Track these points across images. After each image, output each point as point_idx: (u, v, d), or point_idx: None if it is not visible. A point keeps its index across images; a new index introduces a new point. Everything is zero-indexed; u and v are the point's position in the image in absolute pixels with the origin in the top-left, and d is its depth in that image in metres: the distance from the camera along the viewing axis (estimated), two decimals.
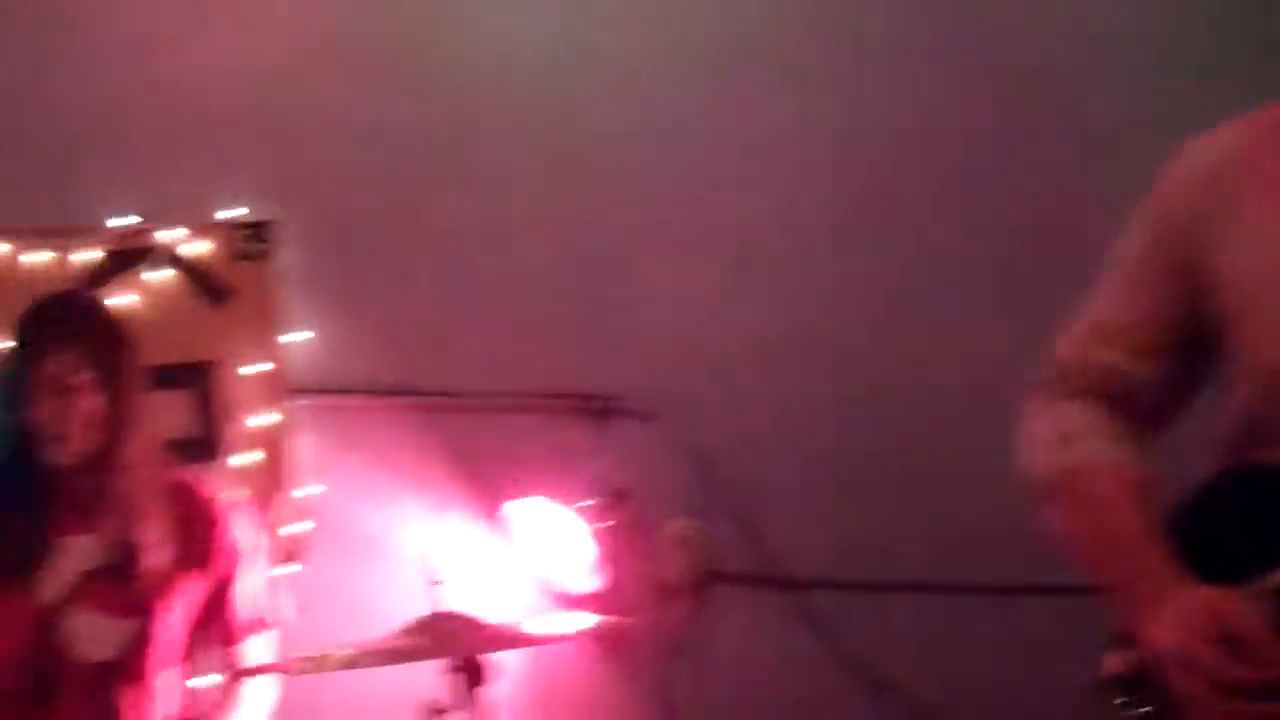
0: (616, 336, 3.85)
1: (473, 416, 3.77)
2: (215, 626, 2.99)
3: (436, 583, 2.60)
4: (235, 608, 2.99)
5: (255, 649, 3.04)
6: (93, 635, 2.82)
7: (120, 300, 3.57)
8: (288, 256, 3.70)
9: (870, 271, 3.96)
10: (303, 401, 3.69)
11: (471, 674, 2.48)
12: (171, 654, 2.92)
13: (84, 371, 2.79)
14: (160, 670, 2.89)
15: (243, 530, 3.01)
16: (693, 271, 3.90)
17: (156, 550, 2.84)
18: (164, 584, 2.86)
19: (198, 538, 2.93)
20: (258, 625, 3.03)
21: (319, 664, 2.64)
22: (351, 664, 2.66)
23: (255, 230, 3.68)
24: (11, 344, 2.87)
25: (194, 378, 3.61)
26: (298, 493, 3.65)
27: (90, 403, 2.79)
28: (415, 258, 3.82)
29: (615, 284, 3.88)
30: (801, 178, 3.98)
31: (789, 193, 3.97)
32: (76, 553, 2.82)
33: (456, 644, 2.51)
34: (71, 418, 2.77)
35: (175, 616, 2.90)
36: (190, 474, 3.08)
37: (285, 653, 3.06)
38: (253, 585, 3.02)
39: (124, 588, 2.83)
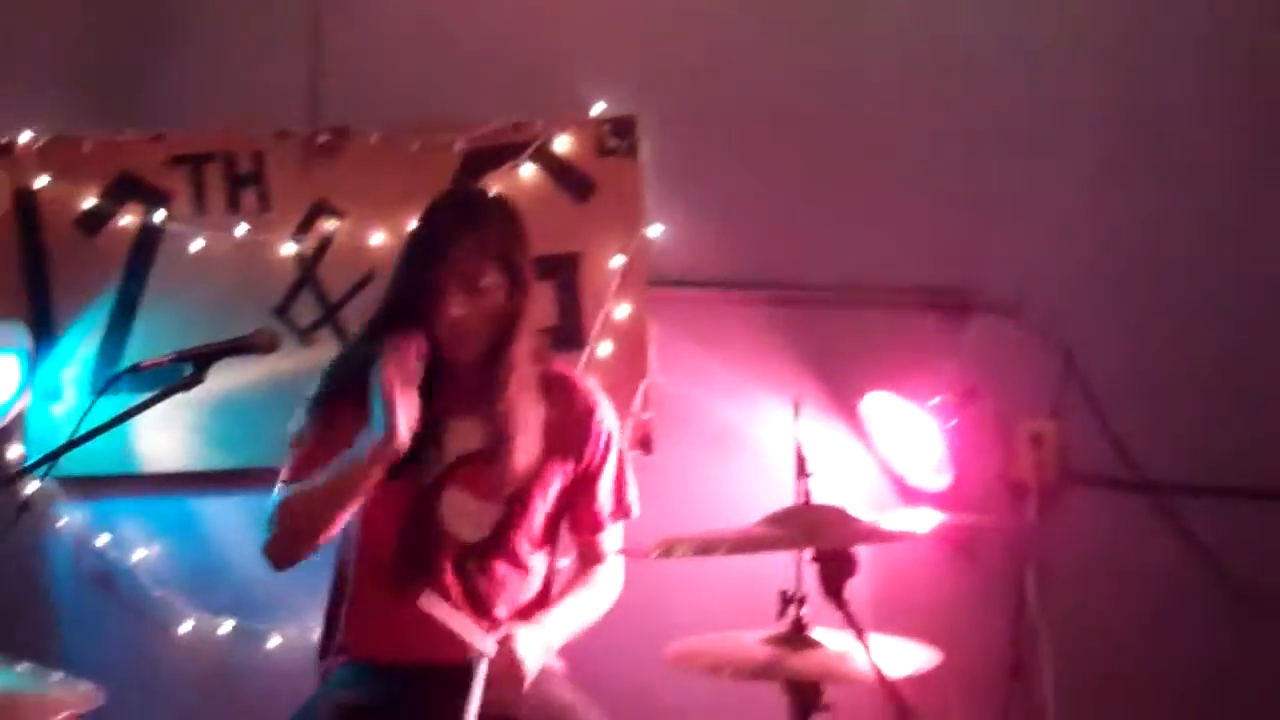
0: (976, 230, 3.76)
1: (828, 310, 3.75)
2: (580, 512, 3.08)
3: (806, 475, 2.60)
4: (600, 494, 3.06)
5: (614, 535, 3.13)
6: (464, 516, 2.94)
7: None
8: (648, 151, 3.74)
9: (1247, 164, 3.77)
10: (659, 294, 3.74)
11: (837, 566, 2.47)
12: (539, 537, 3.03)
13: (491, 270, 2.87)
14: (528, 552, 3.00)
15: (610, 419, 3.08)
16: (1057, 163, 3.77)
17: (532, 439, 2.93)
18: (536, 471, 2.95)
19: (571, 426, 3.00)
20: (620, 512, 3.11)
21: (684, 548, 2.67)
22: (708, 550, 2.69)
23: (618, 125, 3.73)
24: (415, 238, 2.98)
25: (558, 270, 3.70)
26: (652, 384, 3.71)
27: (495, 300, 2.88)
28: (772, 152, 3.80)
29: (975, 175, 3.78)
30: (1170, 69, 3.80)
31: (1159, 82, 3.79)
32: (458, 436, 2.95)
33: (825, 535, 2.51)
34: (478, 314, 2.86)
35: (544, 501, 3.00)
36: (565, 364, 3.16)
37: (634, 540, 3.13)
38: (617, 473, 3.09)
39: (497, 474, 2.92)
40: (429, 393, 2.85)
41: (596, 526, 3.09)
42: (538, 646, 2.83)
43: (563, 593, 3.07)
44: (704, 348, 3.75)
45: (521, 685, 2.79)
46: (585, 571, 3.12)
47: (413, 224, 3.05)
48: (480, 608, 2.95)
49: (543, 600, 3.06)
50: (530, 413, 2.93)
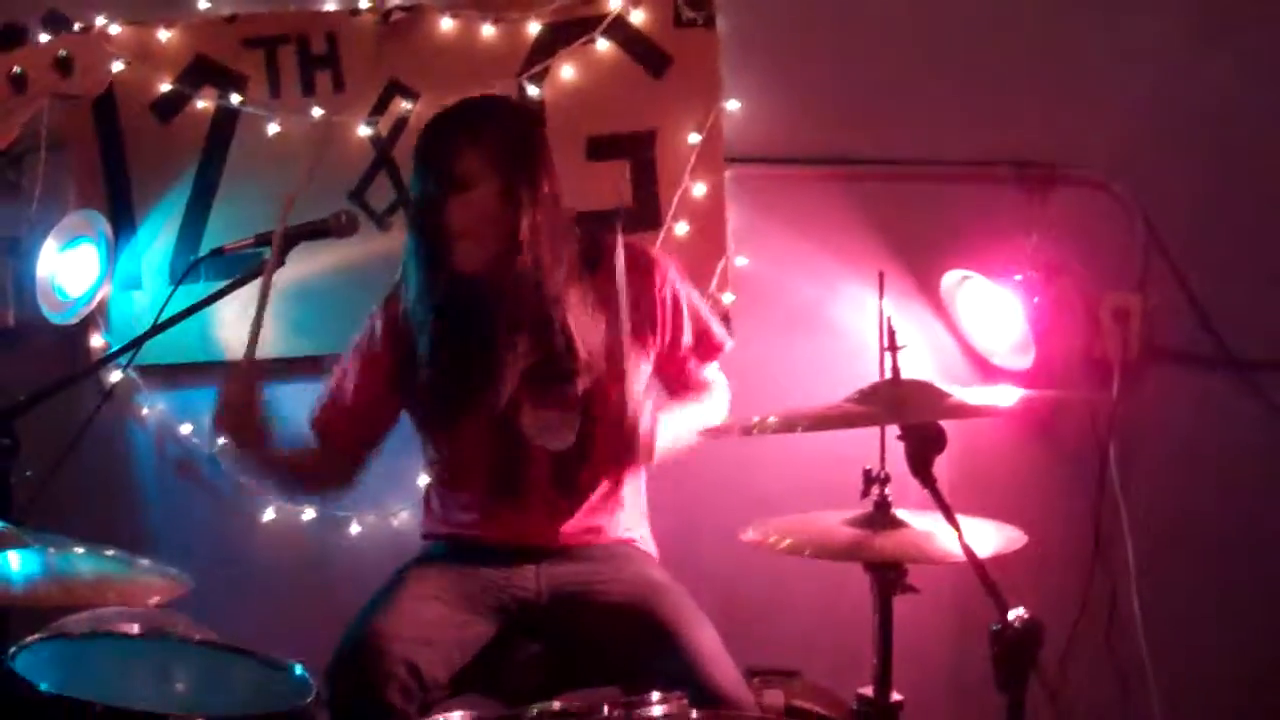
0: (1060, 102, 3.66)
1: (908, 186, 3.69)
2: (672, 371, 3.09)
3: (895, 349, 2.57)
4: (686, 349, 3.07)
5: (713, 396, 3.14)
6: (546, 428, 2.95)
7: (563, 72, 3.66)
8: (725, 23, 3.65)
9: None
10: (737, 171, 3.69)
11: (925, 442, 2.43)
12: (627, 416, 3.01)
13: (481, 178, 2.83)
14: (617, 438, 2.97)
15: (682, 284, 3.06)
16: (1145, 32, 3.65)
17: (594, 333, 2.92)
18: (605, 363, 2.93)
19: (641, 298, 2.97)
20: (713, 350, 3.11)
21: (765, 425, 2.65)
22: (789, 427, 2.68)
23: None
24: (418, 151, 2.95)
25: (633, 147, 3.65)
26: (730, 263, 3.68)
27: (488, 208, 2.84)
28: (851, 23, 3.72)
29: (1059, 43, 3.67)
30: None
31: None
32: (514, 354, 2.92)
33: (913, 410, 2.48)
34: (473, 222, 2.84)
35: (628, 383, 2.97)
36: (625, 239, 3.09)
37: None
38: (694, 322, 3.08)
39: (565, 380, 2.92)
40: (476, 315, 2.88)
41: (690, 374, 3.11)
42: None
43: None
44: (783, 226, 3.71)
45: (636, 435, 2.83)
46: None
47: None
48: (577, 503, 2.99)
49: None
50: (578, 310, 2.92)
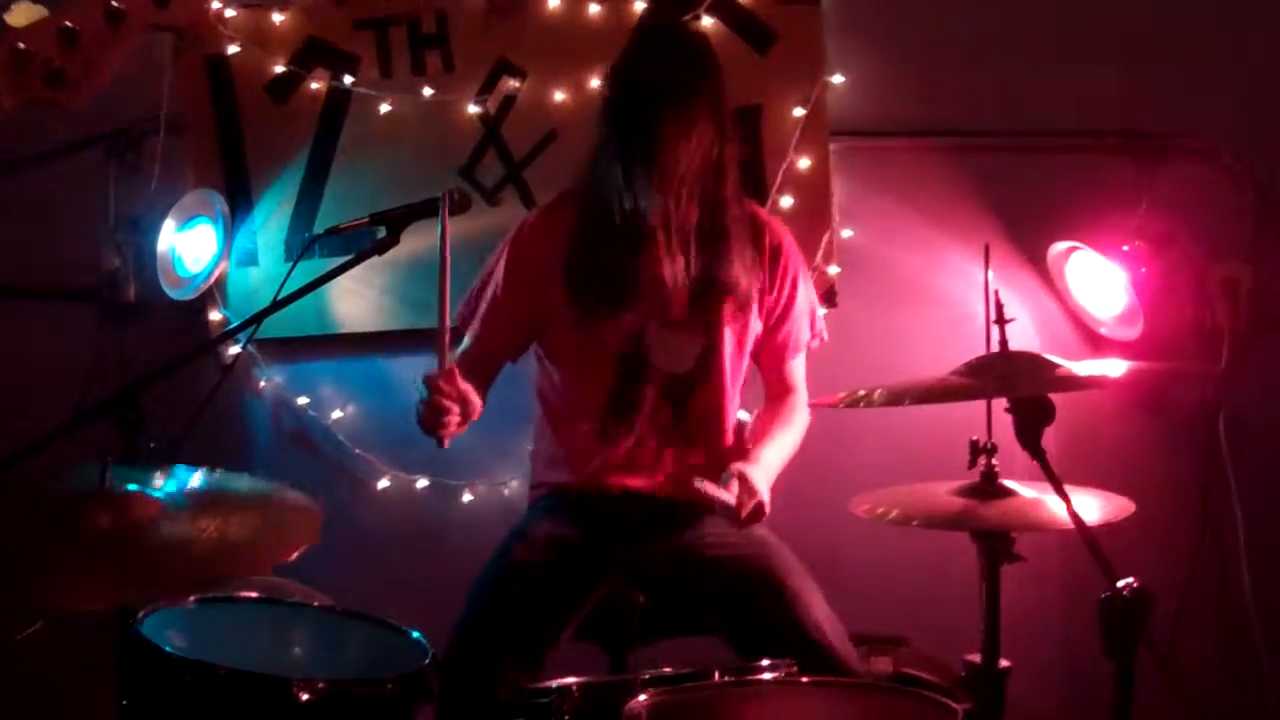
0: (1170, 69, 3.63)
1: (1016, 157, 3.69)
2: (775, 340, 3.12)
3: (1004, 321, 2.58)
4: (795, 323, 3.11)
5: (800, 365, 3.17)
6: (670, 349, 2.99)
7: None
8: None
9: None
10: (842, 144, 3.70)
11: (1034, 414, 2.44)
12: (738, 367, 3.07)
13: (701, 111, 2.88)
14: (729, 383, 3.04)
15: (793, 250, 3.12)
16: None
17: (739, 278, 2.97)
18: (739, 307, 3.00)
19: (766, 264, 3.05)
20: (811, 338, 3.15)
21: (871, 398, 2.67)
22: (896, 400, 2.68)
23: None
24: (621, 76, 2.99)
25: (739, 122, 3.59)
26: (835, 235, 3.69)
27: (704, 142, 2.90)
28: None
29: (1169, 11, 3.65)
30: None
31: None
32: (667, 277, 2.97)
33: (1023, 383, 2.49)
34: (684, 158, 2.88)
35: (747, 333, 3.05)
36: (756, 206, 3.18)
37: (821, 392, 3.13)
38: (808, 302, 3.13)
39: (703, 310, 2.98)
40: (633, 238, 2.92)
41: (790, 354, 3.13)
42: (765, 483, 2.88)
43: (766, 428, 3.11)
44: (888, 198, 3.72)
45: (762, 517, 2.85)
46: (780, 406, 3.16)
47: (624, 67, 3.03)
48: (686, 438, 3.02)
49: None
50: (739, 254, 2.98)
